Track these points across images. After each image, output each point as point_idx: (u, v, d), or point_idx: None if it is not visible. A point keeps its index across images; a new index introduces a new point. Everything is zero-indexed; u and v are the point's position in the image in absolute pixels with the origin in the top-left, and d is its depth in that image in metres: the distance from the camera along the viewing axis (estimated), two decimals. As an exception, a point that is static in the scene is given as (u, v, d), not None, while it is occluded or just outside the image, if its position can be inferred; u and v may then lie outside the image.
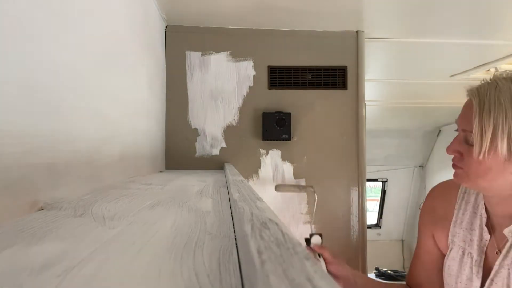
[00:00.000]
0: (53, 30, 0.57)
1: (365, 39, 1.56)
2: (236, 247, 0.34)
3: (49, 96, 0.56)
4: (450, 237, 0.95)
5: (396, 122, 3.36)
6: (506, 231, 0.82)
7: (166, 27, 1.50)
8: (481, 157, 0.76)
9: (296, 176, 1.53)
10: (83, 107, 0.69)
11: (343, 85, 1.55)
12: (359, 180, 1.53)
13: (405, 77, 2.25)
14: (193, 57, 1.51)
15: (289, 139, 1.49)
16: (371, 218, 4.28)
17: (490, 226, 0.89)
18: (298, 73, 1.54)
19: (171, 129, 1.51)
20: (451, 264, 0.94)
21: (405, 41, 1.64)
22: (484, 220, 0.89)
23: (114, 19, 0.87)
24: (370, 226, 4.19)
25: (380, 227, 4.28)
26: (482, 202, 0.91)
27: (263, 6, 1.32)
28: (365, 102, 1.57)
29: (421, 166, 4.10)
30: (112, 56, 0.85)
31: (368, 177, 1.63)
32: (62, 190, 0.59)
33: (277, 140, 1.49)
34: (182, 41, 1.51)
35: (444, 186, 1.01)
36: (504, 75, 0.80)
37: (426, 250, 1.03)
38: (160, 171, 1.37)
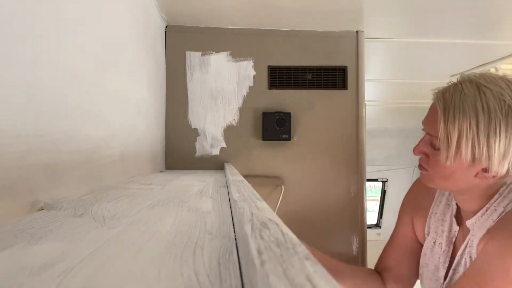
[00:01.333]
0: (53, 29, 0.57)
1: (365, 39, 1.56)
2: (236, 247, 0.34)
3: (49, 96, 0.56)
4: (426, 228, 1.00)
5: (396, 122, 3.35)
6: (468, 223, 0.86)
7: (166, 27, 1.50)
8: (448, 163, 0.78)
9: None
10: (83, 107, 0.69)
11: (343, 85, 1.54)
12: (359, 180, 1.53)
13: (405, 77, 2.25)
14: (193, 57, 1.51)
15: (289, 139, 1.49)
16: (371, 218, 4.27)
17: (460, 218, 0.92)
18: (298, 73, 1.54)
19: (171, 129, 1.51)
20: (425, 253, 0.98)
21: (405, 41, 1.64)
22: (454, 211, 0.93)
23: (114, 19, 0.87)
24: (370, 226, 4.19)
25: (380, 227, 4.28)
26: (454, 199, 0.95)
27: (263, 6, 1.32)
28: (365, 102, 1.57)
29: (421, 166, 4.10)
30: (112, 56, 0.85)
31: (368, 177, 1.63)
32: (62, 190, 0.59)
33: (277, 140, 1.49)
34: (182, 41, 1.51)
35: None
36: (470, 77, 0.80)
37: (402, 234, 1.07)
38: (160, 171, 1.37)
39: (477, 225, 0.83)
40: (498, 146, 0.72)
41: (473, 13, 1.36)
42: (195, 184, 0.86)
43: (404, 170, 4.10)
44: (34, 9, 0.52)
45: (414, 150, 0.88)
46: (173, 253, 0.31)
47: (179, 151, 1.50)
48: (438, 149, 0.81)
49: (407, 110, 2.98)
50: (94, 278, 0.25)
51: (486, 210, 0.82)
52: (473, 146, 0.74)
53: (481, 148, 0.74)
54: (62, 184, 0.59)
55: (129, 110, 1.00)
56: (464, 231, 0.89)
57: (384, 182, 4.16)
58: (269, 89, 1.53)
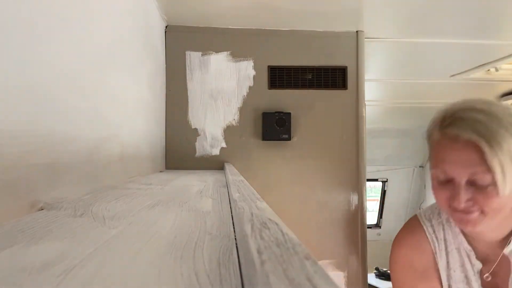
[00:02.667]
0: (53, 30, 0.57)
1: (365, 39, 1.56)
2: (236, 247, 0.34)
3: (49, 96, 0.56)
4: (445, 283, 0.89)
5: (396, 122, 3.36)
6: (506, 251, 0.81)
7: (166, 27, 1.50)
8: (507, 191, 0.71)
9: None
10: (83, 107, 0.69)
11: (343, 85, 1.54)
12: (359, 180, 1.53)
13: (405, 77, 2.25)
14: (193, 57, 1.51)
15: (289, 139, 1.49)
16: (371, 218, 4.27)
17: (481, 254, 0.86)
18: (298, 73, 1.54)
19: (171, 129, 1.51)
20: None
21: (405, 41, 1.64)
22: (472, 254, 0.86)
23: (114, 19, 0.87)
24: (370, 226, 4.18)
25: (380, 227, 4.28)
26: (461, 236, 0.87)
27: (263, 6, 1.32)
28: (365, 102, 1.57)
29: (421, 166, 4.10)
30: (112, 56, 0.85)
31: (368, 177, 1.63)
32: (62, 190, 0.59)
33: (277, 140, 1.49)
34: (182, 41, 1.51)
35: (409, 234, 0.94)
36: (463, 108, 0.75)
37: None
38: (160, 171, 1.37)
39: None
40: None
41: (473, 13, 1.36)
42: (195, 184, 0.86)
43: (404, 170, 4.09)
44: (34, 9, 0.52)
45: (458, 202, 0.75)
46: (173, 253, 0.31)
47: (179, 151, 1.50)
48: (485, 186, 0.72)
49: (407, 110, 2.98)
50: (94, 278, 0.25)
51: None
52: None
53: None
54: (62, 184, 0.59)
55: (129, 110, 1.00)
56: (490, 262, 0.84)
57: (384, 182, 4.15)
58: (269, 89, 1.53)
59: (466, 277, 0.86)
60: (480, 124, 0.71)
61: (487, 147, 0.69)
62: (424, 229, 0.91)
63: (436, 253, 0.89)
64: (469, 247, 0.86)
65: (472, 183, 0.74)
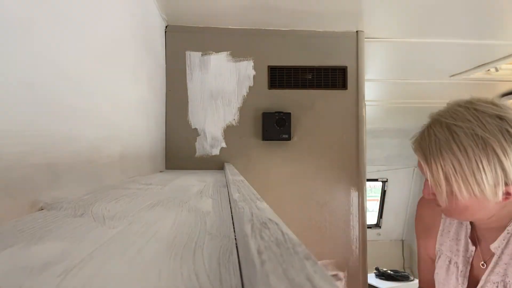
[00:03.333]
0: (54, 30, 0.57)
1: (365, 39, 1.56)
2: (236, 247, 0.34)
3: (49, 96, 0.56)
4: (437, 245, 0.98)
5: (396, 122, 3.35)
6: (492, 247, 0.84)
7: (166, 27, 1.50)
8: (448, 203, 0.79)
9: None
10: (83, 107, 0.69)
11: (343, 85, 1.54)
12: (359, 180, 1.53)
13: (405, 77, 2.25)
14: (193, 57, 1.51)
15: (289, 139, 1.49)
16: (371, 218, 4.27)
17: (476, 237, 0.91)
18: (298, 73, 1.54)
19: (171, 129, 1.51)
20: (439, 272, 0.96)
21: (405, 41, 1.64)
22: (469, 232, 0.92)
23: (114, 19, 0.87)
24: (370, 226, 4.19)
25: (380, 227, 4.28)
26: None
27: (263, 6, 1.32)
28: (365, 102, 1.57)
29: (421, 166, 4.10)
30: (112, 56, 0.85)
31: (368, 177, 1.63)
32: (62, 190, 0.59)
33: (277, 140, 1.49)
34: (182, 41, 1.51)
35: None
36: (439, 119, 0.81)
37: (422, 258, 1.07)
38: (160, 171, 1.37)
39: (501, 248, 0.82)
40: (486, 180, 0.73)
41: (473, 13, 1.36)
42: (195, 184, 0.86)
43: (404, 170, 4.10)
44: (34, 9, 0.52)
45: (423, 194, 0.89)
46: (173, 253, 0.31)
47: (179, 151, 1.50)
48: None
49: (407, 110, 2.98)
50: (94, 278, 0.25)
51: (508, 233, 0.81)
52: (465, 186, 0.75)
53: (473, 187, 0.74)
54: (62, 184, 0.59)
55: (129, 110, 1.00)
56: (483, 251, 0.88)
57: (384, 182, 4.15)
58: (269, 89, 1.53)
59: (458, 250, 0.92)
60: (432, 143, 0.79)
61: (425, 167, 0.80)
62: None
63: (443, 217, 0.98)
64: (469, 226, 0.92)
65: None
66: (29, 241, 0.34)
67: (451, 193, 0.77)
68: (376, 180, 4.12)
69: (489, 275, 0.84)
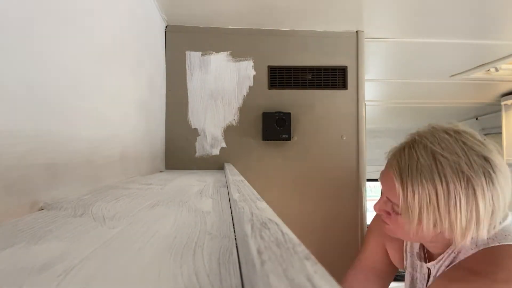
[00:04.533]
0: (53, 29, 0.57)
1: (365, 39, 1.56)
2: (236, 247, 0.34)
3: (49, 96, 0.56)
4: (404, 260, 0.98)
5: (396, 122, 3.36)
6: (429, 264, 0.87)
7: (166, 27, 1.50)
8: (411, 229, 0.77)
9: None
10: (83, 107, 0.69)
11: (343, 85, 1.55)
12: (359, 180, 1.53)
13: (405, 77, 2.25)
14: (193, 57, 1.51)
15: (289, 139, 1.49)
16: (371, 218, 4.27)
17: (425, 254, 0.93)
18: (298, 73, 1.54)
19: (171, 129, 1.51)
20: (406, 286, 0.98)
21: (405, 41, 1.64)
22: (416, 252, 0.93)
23: (114, 19, 0.87)
24: (370, 226, 4.18)
25: (380, 227, 4.28)
26: None
27: (263, 6, 1.32)
28: (365, 102, 1.57)
29: (421, 166, 4.10)
30: (112, 56, 0.85)
31: (368, 177, 1.63)
32: (62, 190, 0.59)
33: (277, 140, 1.49)
34: (182, 41, 1.51)
35: None
36: (423, 141, 0.77)
37: (370, 257, 1.05)
38: (160, 171, 1.37)
39: (435, 268, 0.84)
40: (460, 220, 0.70)
41: (473, 13, 1.36)
42: (195, 184, 0.86)
43: (404, 170, 4.09)
44: (34, 9, 0.52)
45: (374, 207, 0.88)
46: (173, 253, 0.31)
47: (179, 151, 1.50)
48: (399, 213, 0.79)
49: (407, 110, 2.98)
50: (94, 278, 0.25)
51: (442, 258, 0.82)
52: (434, 219, 0.73)
53: (443, 222, 0.72)
54: (62, 184, 0.59)
55: (129, 110, 1.00)
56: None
57: (384, 182, 4.15)
58: (269, 89, 1.53)
59: (418, 266, 0.93)
60: (412, 168, 0.75)
61: (401, 189, 0.76)
62: None
63: None
64: (417, 246, 0.94)
65: (392, 208, 0.83)
66: (29, 241, 0.34)
67: (417, 221, 0.74)
68: (376, 180, 4.12)
69: None
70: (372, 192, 4.24)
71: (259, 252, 0.22)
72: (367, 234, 1.09)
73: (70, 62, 0.63)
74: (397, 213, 0.80)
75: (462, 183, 0.70)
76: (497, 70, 2.05)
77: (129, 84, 1.00)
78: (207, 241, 0.35)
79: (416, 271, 0.93)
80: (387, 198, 0.83)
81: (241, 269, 0.27)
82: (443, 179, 0.71)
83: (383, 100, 2.82)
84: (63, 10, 0.61)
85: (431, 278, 0.85)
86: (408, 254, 0.96)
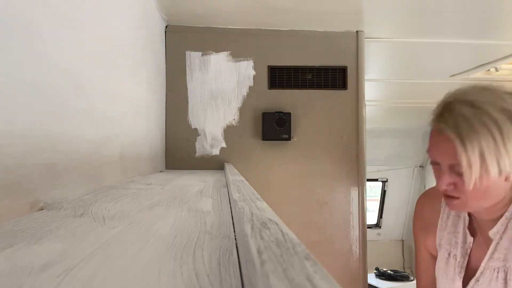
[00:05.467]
0: (54, 30, 0.57)
1: (365, 39, 1.56)
2: (236, 247, 0.34)
3: (50, 97, 0.56)
4: (437, 240, 0.99)
5: (396, 122, 3.36)
6: (491, 233, 0.85)
7: (166, 27, 1.50)
8: (477, 185, 0.77)
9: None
10: (83, 107, 0.69)
11: (343, 85, 1.54)
12: (359, 180, 1.53)
13: (405, 77, 2.25)
14: (193, 57, 1.51)
15: (289, 139, 1.49)
16: (371, 218, 4.27)
17: (475, 228, 0.91)
18: (298, 73, 1.54)
19: (171, 129, 1.51)
20: (439, 266, 0.97)
21: (405, 41, 1.64)
22: (467, 223, 0.92)
23: (114, 19, 0.87)
24: (370, 226, 4.19)
25: (380, 227, 4.28)
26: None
27: (263, 6, 1.32)
28: (365, 102, 1.57)
29: (421, 166, 4.10)
30: (112, 56, 0.85)
31: (368, 177, 1.63)
32: (62, 190, 0.59)
33: (277, 140, 1.49)
34: (182, 41, 1.51)
35: (429, 194, 1.05)
36: (457, 98, 0.80)
37: (423, 259, 1.07)
38: (160, 171, 1.37)
39: (499, 234, 0.83)
40: None
41: (473, 13, 1.36)
42: (195, 184, 0.86)
43: (404, 170, 4.10)
44: (35, 10, 0.52)
45: (440, 185, 0.85)
46: (173, 253, 0.31)
47: (179, 151, 1.50)
48: (462, 174, 0.80)
49: (407, 110, 2.98)
50: (94, 278, 0.25)
51: (506, 219, 0.82)
52: (497, 161, 0.75)
53: (504, 160, 0.74)
54: (62, 184, 0.59)
55: (129, 110, 1.00)
56: (480, 241, 0.89)
57: (384, 182, 4.16)
58: (269, 89, 1.53)
59: (456, 242, 0.93)
60: (460, 121, 0.77)
61: (460, 145, 0.76)
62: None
63: (442, 212, 0.98)
64: (468, 217, 0.92)
65: (454, 170, 0.81)
66: (29, 241, 0.34)
67: (484, 172, 0.76)
68: (376, 180, 4.13)
69: (488, 261, 0.84)
70: (372, 192, 4.25)
71: (259, 252, 0.22)
72: (414, 241, 1.10)
73: (71, 62, 0.63)
74: (462, 176, 0.80)
75: (509, 118, 0.74)
76: (497, 70, 2.05)
77: (129, 84, 1.00)
78: (207, 241, 0.35)
79: (455, 247, 0.93)
80: (448, 166, 0.82)
81: (241, 269, 0.27)
82: (492, 120, 0.75)
83: (383, 100, 2.82)
84: (63, 11, 0.61)
85: (494, 249, 0.84)
86: (445, 231, 0.97)
